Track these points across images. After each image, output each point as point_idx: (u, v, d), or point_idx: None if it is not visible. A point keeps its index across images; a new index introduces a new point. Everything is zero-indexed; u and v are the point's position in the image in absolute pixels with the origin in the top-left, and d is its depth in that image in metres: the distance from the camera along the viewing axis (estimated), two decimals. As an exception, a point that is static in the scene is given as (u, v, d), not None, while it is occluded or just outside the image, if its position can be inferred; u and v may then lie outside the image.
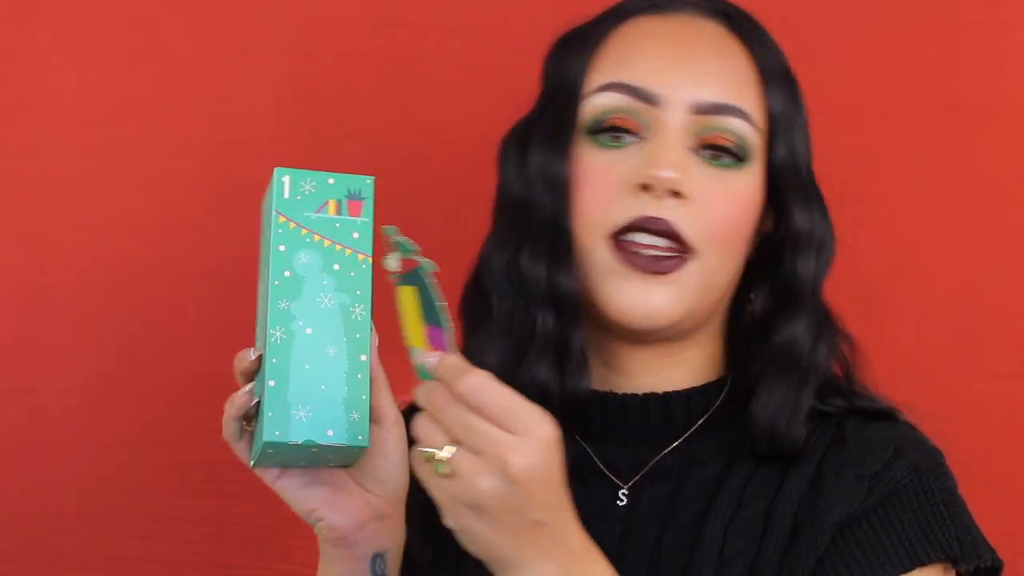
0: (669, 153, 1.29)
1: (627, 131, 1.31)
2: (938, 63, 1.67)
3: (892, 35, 1.68)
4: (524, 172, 1.34)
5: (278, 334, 1.17)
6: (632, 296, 1.28)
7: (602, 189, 1.30)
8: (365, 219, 1.20)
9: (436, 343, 1.13)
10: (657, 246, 1.28)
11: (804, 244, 1.34)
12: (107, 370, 1.70)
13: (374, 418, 1.20)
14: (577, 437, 1.35)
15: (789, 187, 1.33)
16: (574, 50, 1.35)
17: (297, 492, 1.22)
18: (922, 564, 1.25)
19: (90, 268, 1.69)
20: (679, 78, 1.31)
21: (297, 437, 1.16)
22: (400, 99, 1.70)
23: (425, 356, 1.12)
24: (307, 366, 1.17)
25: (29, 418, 1.70)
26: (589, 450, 1.35)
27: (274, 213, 1.18)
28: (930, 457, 1.31)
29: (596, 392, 1.34)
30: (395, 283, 1.14)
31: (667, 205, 1.28)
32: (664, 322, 1.29)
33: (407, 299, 1.14)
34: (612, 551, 1.29)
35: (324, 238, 1.19)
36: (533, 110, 1.37)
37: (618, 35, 1.34)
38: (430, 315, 1.13)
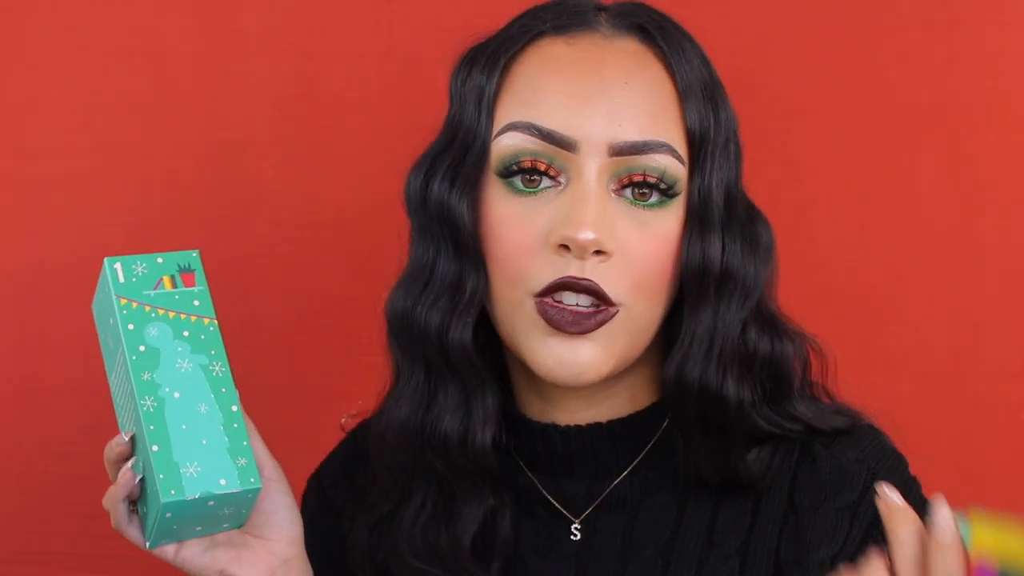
0: (588, 209, 1.20)
1: (542, 173, 1.22)
2: (938, 63, 1.67)
3: (892, 35, 1.68)
4: (426, 211, 1.28)
5: (149, 403, 1.21)
6: (559, 355, 1.22)
7: (521, 243, 1.22)
8: (200, 287, 1.26)
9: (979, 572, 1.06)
10: (580, 304, 1.22)
11: (697, 281, 1.25)
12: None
13: None
14: (524, 468, 1.32)
15: (694, 218, 1.24)
16: (481, 74, 1.26)
17: (200, 559, 1.24)
18: None
19: (90, 268, 1.69)
20: (592, 117, 1.21)
21: (192, 492, 1.20)
22: (400, 99, 1.70)
23: None
24: (184, 426, 1.21)
25: (29, 418, 1.70)
26: (537, 483, 1.31)
27: (114, 297, 1.23)
28: (898, 470, 1.28)
29: (538, 423, 1.30)
30: None
31: (589, 264, 1.20)
32: (592, 378, 1.23)
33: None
34: None
35: (168, 311, 1.24)
36: (439, 139, 1.30)
37: (524, 61, 1.25)
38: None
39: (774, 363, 1.28)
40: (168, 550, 1.25)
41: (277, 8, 1.70)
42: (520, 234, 1.23)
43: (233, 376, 1.24)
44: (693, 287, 1.25)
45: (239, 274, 1.69)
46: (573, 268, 1.21)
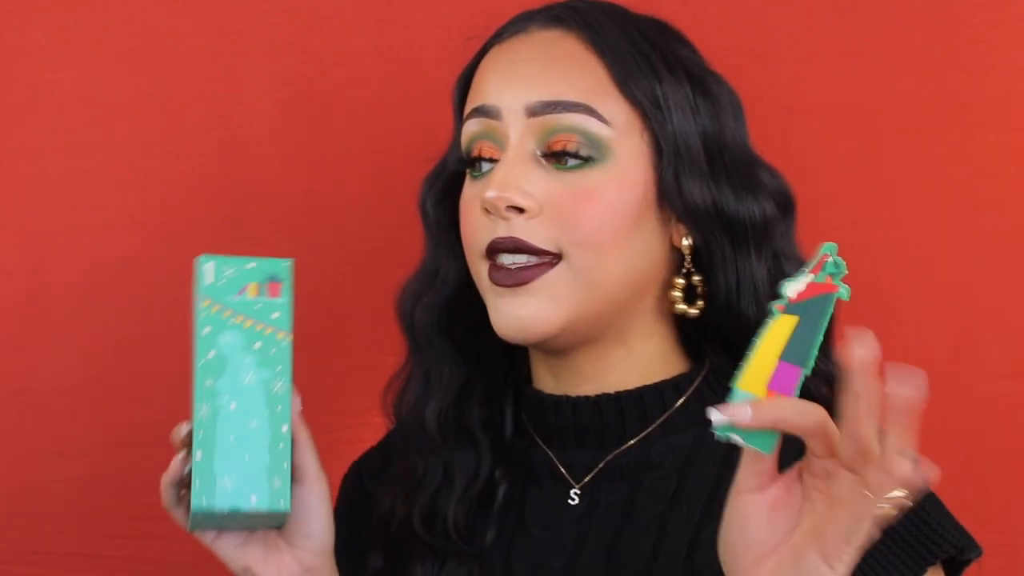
0: (496, 173, 1.31)
1: (487, 159, 1.33)
2: (938, 63, 1.67)
3: (892, 35, 1.68)
4: (421, 218, 1.41)
5: (204, 409, 1.26)
6: (505, 312, 1.31)
7: (471, 215, 1.33)
8: (284, 299, 1.28)
9: (779, 384, 1.07)
10: (517, 262, 1.30)
11: (703, 229, 1.32)
12: (107, 370, 1.70)
13: (297, 477, 1.29)
14: (539, 441, 1.38)
15: (669, 168, 1.31)
16: (455, 95, 1.40)
17: (232, 552, 1.31)
18: (929, 564, 1.25)
19: (90, 268, 1.69)
20: (511, 86, 1.32)
21: (223, 505, 1.25)
22: (400, 99, 1.70)
23: (742, 409, 1.05)
24: (232, 438, 1.26)
25: (29, 418, 1.70)
26: (551, 454, 1.37)
27: (199, 298, 1.27)
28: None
29: (550, 396, 1.36)
30: (779, 309, 1.09)
31: (515, 223, 1.29)
32: (540, 332, 1.31)
33: (778, 331, 1.09)
34: (568, 553, 1.32)
35: (246, 319, 1.28)
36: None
37: (477, 72, 1.37)
38: (797, 351, 1.08)
39: None
40: (207, 535, 1.31)
41: (277, 8, 1.70)
42: (469, 210, 1.34)
43: (293, 394, 1.28)
44: (699, 236, 1.32)
45: (239, 274, 1.68)
46: (500, 229, 1.30)
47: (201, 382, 1.27)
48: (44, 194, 1.70)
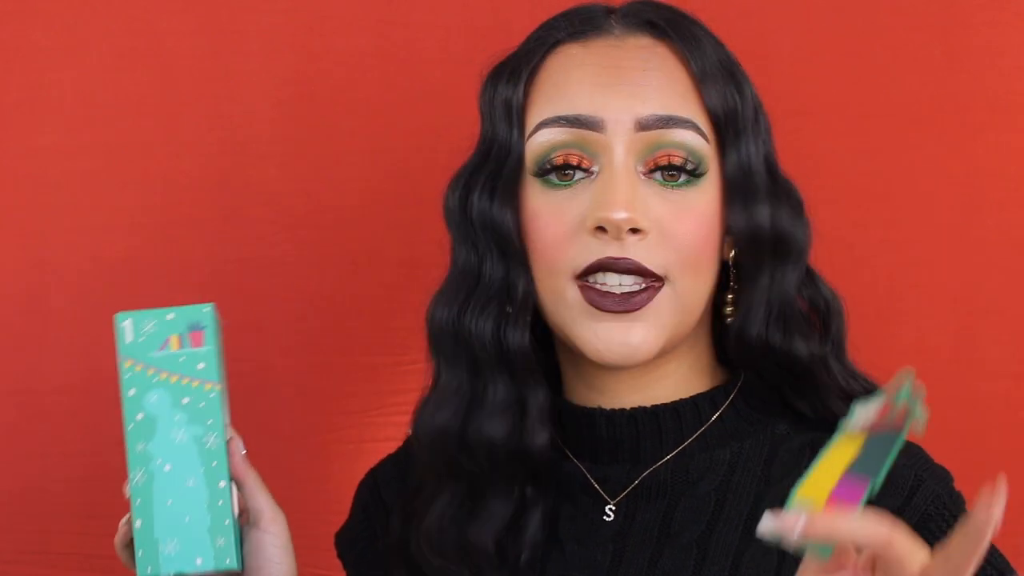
0: (618, 190, 1.24)
1: (575, 167, 1.26)
2: (938, 63, 1.67)
3: (892, 35, 1.68)
4: (467, 222, 1.31)
5: (139, 476, 1.24)
6: (608, 337, 1.25)
7: (558, 232, 1.26)
8: (208, 347, 1.25)
9: (843, 495, 1.04)
10: (623, 284, 1.25)
11: (752, 250, 1.29)
12: (107, 370, 1.69)
13: (251, 521, 1.28)
14: (570, 455, 1.34)
15: (737, 191, 1.28)
16: (507, 87, 1.30)
17: None
18: None
19: (90, 268, 1.69)
20: (616, 98, 1.26)
21: (168, 570, 1.24)
22: (400, 99, 1.70)
23: (797, 522, 1.02)
24: (169, 502, 1.24)
25: (29, 418, 1.70)
26: (583, 468, 1.34)
27: (121, 358, 1.25)
28: (945, 482, 1.29)
29: (584, 409, 1.33)
30: (846, 430, 1.07)
31: (628, 243, 1.24)
32: (644, 357, 1.26)
33: (846, 446, 1.07)
34: (604, 570, 1.29)
35: (171, 374, 1.25)
36: (474, 155, 1.33)
37: (547, 68, 1.29)
38: (865, 464, 1.05)
39: (833, 315, 1.34)
40: None
41: (277, 8, 1.70)
42: (556, 223, 1.26)
43: (234, 439, 1.26)
44: (748, 256, 1.29)
45: (239, 274, 1.69)
46: (612, 249, 1.24)
47: (133, 447, 1.24)
48: (44, 194, 1.70)
